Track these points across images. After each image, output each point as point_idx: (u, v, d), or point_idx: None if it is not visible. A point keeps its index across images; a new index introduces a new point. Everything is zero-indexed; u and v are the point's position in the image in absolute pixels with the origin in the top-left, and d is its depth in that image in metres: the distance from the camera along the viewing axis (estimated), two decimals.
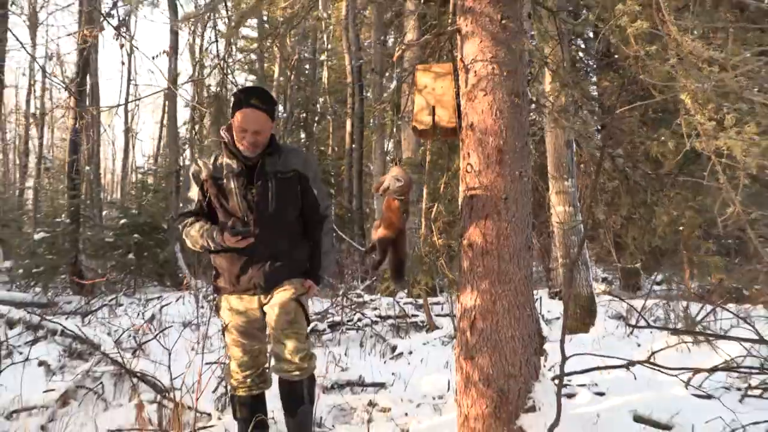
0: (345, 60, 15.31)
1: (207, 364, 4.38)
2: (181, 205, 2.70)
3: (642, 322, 6.03)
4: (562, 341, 2.55)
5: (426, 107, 2.76)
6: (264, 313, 2.64)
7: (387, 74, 10.91)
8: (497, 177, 2.60)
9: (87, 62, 10.97)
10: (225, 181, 2.55)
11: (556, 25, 3.25)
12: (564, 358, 2.52)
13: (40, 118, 18.96)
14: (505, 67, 2.65)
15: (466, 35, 2.72)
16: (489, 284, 2.58)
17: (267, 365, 2.77)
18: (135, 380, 3.91)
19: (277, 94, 9.63)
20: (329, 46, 20.32)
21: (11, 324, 5.68)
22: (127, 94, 19.69)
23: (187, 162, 14.69)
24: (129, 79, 19.53)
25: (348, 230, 12.79)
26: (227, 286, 2.64)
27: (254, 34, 18.44)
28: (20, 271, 10.42)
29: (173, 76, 10.16)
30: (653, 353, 3.72)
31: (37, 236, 9.95)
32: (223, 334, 2.70)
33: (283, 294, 2.58)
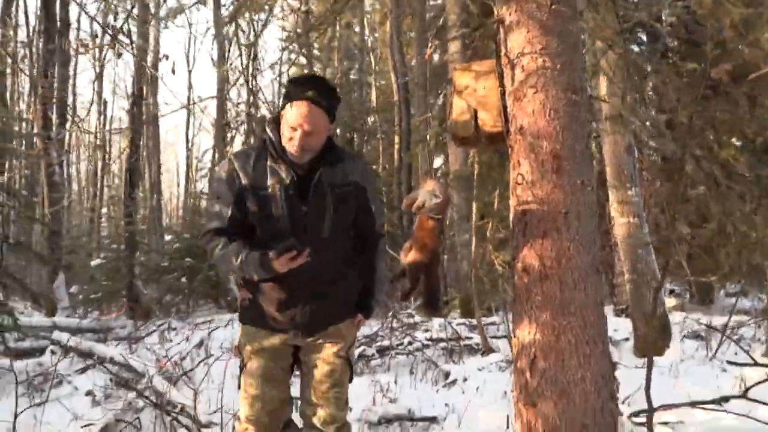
0: (391, 79, 15.19)
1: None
2: (207, 220, 2.14)
3: (731, 347, 5.34)
4: (648, 388, 2.09)
5: (467, 111, 2.41)
6: (295, 356, 2.19)
7: (430, 88, 10.62)
8: (554, 188, 2.21)
9: (141, 93, 11.28)
10: (269, 191, 2.01)
11: (616, 12, 2.83)
12: (651, 409, 2.06)
13: (101, 146, 19.82)
14: (558, 60, 2.27)
15: (510, 26, 2.36)
16: (550, 315, 2.17)
17: (290, 420, 2.25)
18: (170, 416, 3.71)
19: None
20: (377, 68, 20.34)
21: (66, 351, 5.69)
22: (187, 122, 20.29)
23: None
24: (188, 104, 20.19)
25: (398, 249, 12.46)
26: (259, 320, 2.13)
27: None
28: (80, 297, 10.71)
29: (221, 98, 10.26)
30: (747, 388, 3.15)
31: (94, 263, 10.19)
32: (239, 379, 2.18)
33: (330, 348, 2.13)
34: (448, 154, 8.57)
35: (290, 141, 1.98)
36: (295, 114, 1.96)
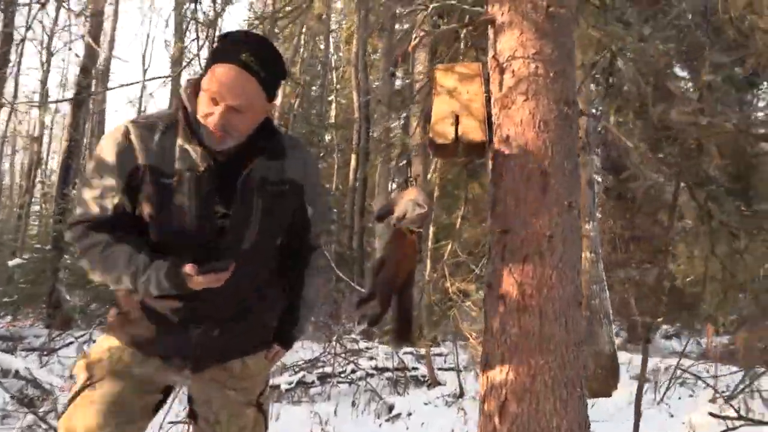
0: (353, 97, 15.03)
1: (171, 423, 3.66)
2: (79, 208, 1.48)
3: (676, 390, 5.27)
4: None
5: (448, 116, 2.14)
6: (165, 394, 1.60)
7: (393, 108, 10.48)
8: (540, 208, 1.97)
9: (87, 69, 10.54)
10: (175, 180, 1.43)
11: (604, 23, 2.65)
12: None
13: (37, 138, 18.57)
14: (552, 67, 2.05)
15: (501, 26, 2.14)
16: (526, 353, 1.90)
17: None
18: None
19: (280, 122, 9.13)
20: (338, 86, 20.22)
21: None
22: (138, 113, 19.33)
23: None
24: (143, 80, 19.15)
25: (347, 269, 12.09)
26: (133, 337, 1.53)
27: None
28: None
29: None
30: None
31: (12, 262, 9.28)
32: (74, 396, 1.50)
33: (236, 395, 1.62)
34: (408, 175, 8.35)
35: (207, 118, 1.39)
36: (217, 81, 1.36)
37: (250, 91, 1.39)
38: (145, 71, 21.81)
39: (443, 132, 2.14)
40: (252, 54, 1.37)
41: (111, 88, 13.57)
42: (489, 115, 2.15)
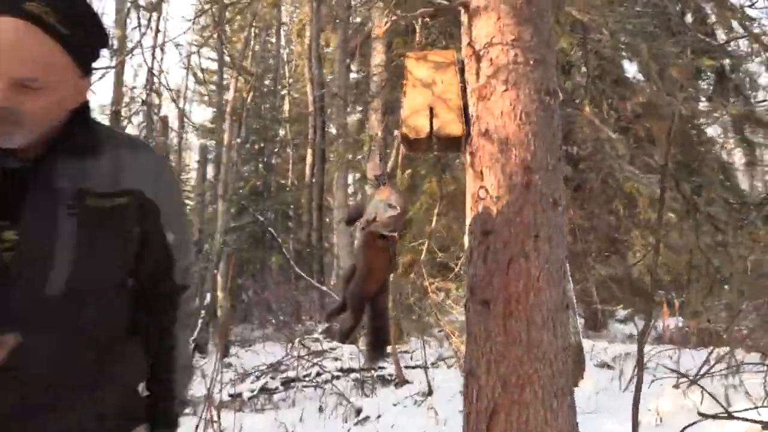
0: (307, 90, 14.71)
1: None
2: None
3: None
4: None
5: (421, 109, 1.99)
6: None
7: (350, 102, 10.25)
8: (525, 205, 1.83)
9: None
10: None
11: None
12: None
13: None
14: (531, 54, 1.92)
15: (476, 10, 1.99)
16: (515, 361, 1.77)
17: None
18: None
19: (233, 116, 8.71)
20: (290, 80, 19.80)
21: None
22: None
23: None
24: None
25: (306, 267, 11.84)
26: None
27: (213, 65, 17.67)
28: None
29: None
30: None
31: None
32: None
33: None
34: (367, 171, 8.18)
35: None
36: None
37: (45, 55, 0.90)
38: None
39: (417, 126, 1.98)
40: (47, 2, 0.89)
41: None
42: (465, 107, 2.00)
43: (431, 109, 1.98)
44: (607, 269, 6.92)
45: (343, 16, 8.89)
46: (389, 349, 6.42)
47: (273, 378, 5.40)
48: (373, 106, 7.96)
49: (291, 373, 5.55)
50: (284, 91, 19.83)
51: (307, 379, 5.60)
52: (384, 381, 5.92)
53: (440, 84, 2.01)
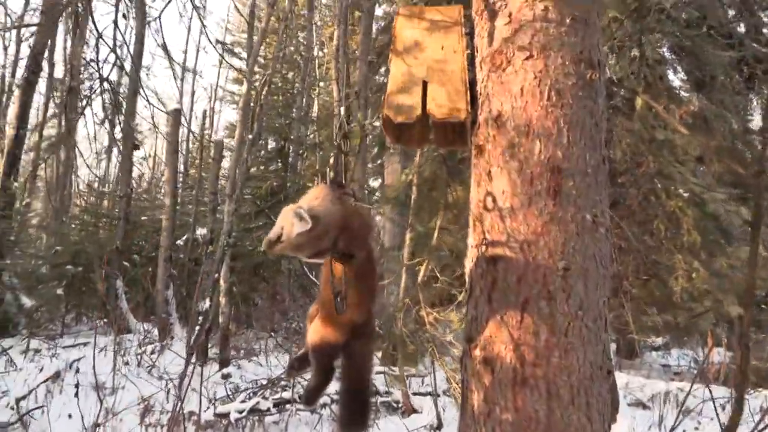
0: (334, 93, 14.33)
1: None
2: None
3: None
4: None
5: (410, 83, 1.44)
6: None
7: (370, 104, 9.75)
8: (549, 223, 1.27)
9: None
10: None
11: None
12: None
13: None
14: (569, 10, 1.35)
15: None
16: None
17: None
18: None
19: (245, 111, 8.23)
20: (320, 84, 19.51)
21: None
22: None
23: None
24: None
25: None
26: None
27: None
28: None
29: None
30: None
31: None
32: None
33: None
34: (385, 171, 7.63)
35: None
36: None
37: None
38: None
39: (404, 107, 1.43)
40: None
41: None
42: (472, 83, 1.44)
43: (424, 85, 1.43)
44: (644, 294, 6.21)
45: (366, 22, 8.41)
46: (396, 371, 5.84)
47: (265, 398, 4.88)
48: None
49: (286, 394, 5.01)
50: (314, 92, 19.55)
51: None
52: (389, 408, 5.34)
53: (439, 50, 1.45)
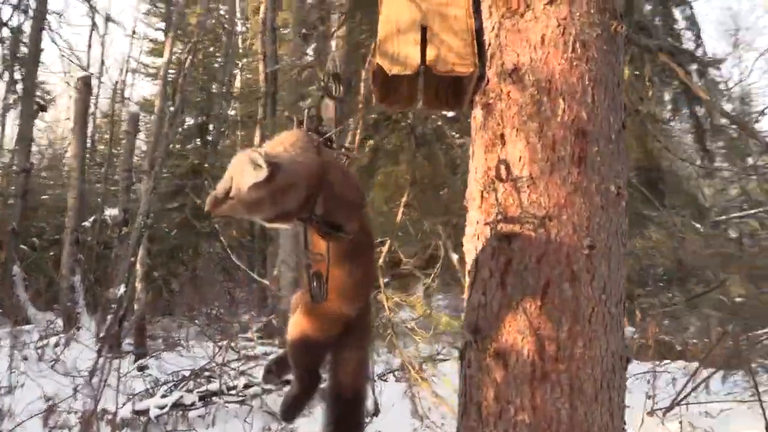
0: (259, 68, 13.70)
1: None
2: None
3: None
4: None
5: (408, 28, 1.21)
6: None
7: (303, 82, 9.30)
8: (573, 194, 1.10)
9: None
10: None
11: None
12: None
13: None
14: None
15: None
16: None
17: None
18: None
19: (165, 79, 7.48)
20: (244, 59, 18.61)
21: None
22: None
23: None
24: None
25: (245, 257, 10.85)
26: None
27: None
28: None
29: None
30: None
31: None
32: None
33: None
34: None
35: None
36: None
37: None
38: None
39: (401, 56, 1.20)
40: None
41: None
42: (478, 31, 1.24)
43: (423, 30, 1.21)
44: None
45: None
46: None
47: (190, 391, 4.51)
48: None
49: (213, 386, 4.66)
50: (236, 70, 18.66)
51: (232, 392, 4.74)
52: (325, 395, 5.13)
53: None
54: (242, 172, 0.87)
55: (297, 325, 1.09)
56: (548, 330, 1.07)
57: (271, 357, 1.16)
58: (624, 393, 1.15)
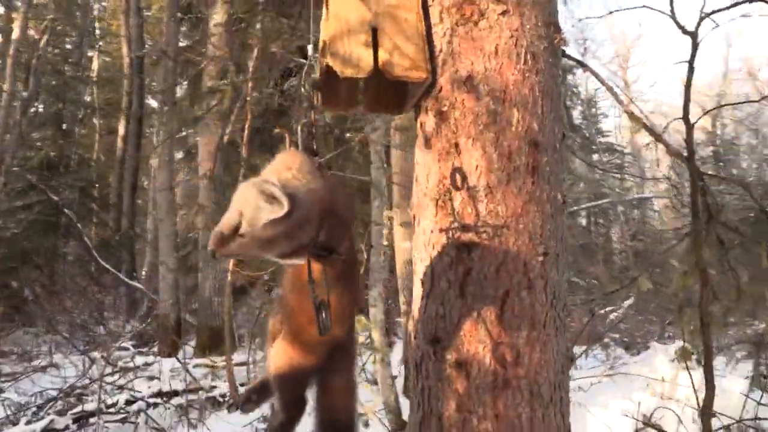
0: (123, 51, 12.53)
1: None
2: None
3: None
4: None
5: (358, 28, 1.15)
6: None
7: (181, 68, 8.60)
8: (528, 203, 1.13)
9: None
10: None
11: None
12: None
13: None
14: None
15: None
16: None
17: None
18: None
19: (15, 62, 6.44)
20: (103, 40, 16.87)
21: None
22: None
23: None
24: None
25: (113, 257, 9.91)
26: None
27: None
28: None
29: None
30: None
31: None
32: None
33: None
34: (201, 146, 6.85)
35: None
36: None
37: None
38: None
39: (353, 57, 1.14)
40: None
41: None
42: (429, 35, 1.21)
43: (374, 32, 1.16)
44: None
45: None
46: (222, 361, 5.34)
47: (61, 414, 4.02)
48: (209, 70, 6.72)
49: (90, 405, 4.20)
50: (93, 53, 16.86)
51: (112, 409, 4.31)
52: (215, 404, 4.87)
53: None
54: (256, 207, 0.75)
55: (282, 354, 1.00)
56: (508, 338, 1.08)
57: (247, 386, 1.05)
58: (569, 392, 1.21)
